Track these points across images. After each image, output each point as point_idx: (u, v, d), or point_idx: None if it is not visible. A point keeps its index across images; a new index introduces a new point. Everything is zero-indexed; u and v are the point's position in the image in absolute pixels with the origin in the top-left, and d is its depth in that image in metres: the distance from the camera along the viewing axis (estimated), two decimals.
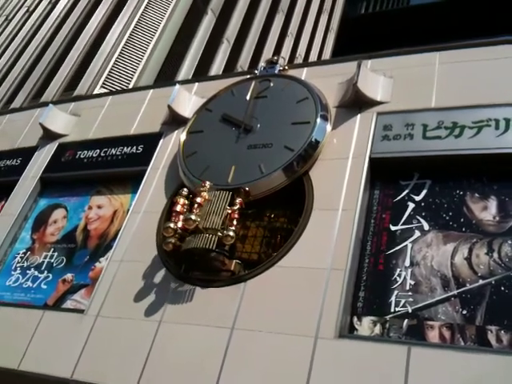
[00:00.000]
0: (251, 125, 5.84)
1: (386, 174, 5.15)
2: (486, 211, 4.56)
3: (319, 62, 16.22)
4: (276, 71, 6.52)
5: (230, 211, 4.98)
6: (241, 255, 5.12)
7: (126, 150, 6.86)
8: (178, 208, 5.12)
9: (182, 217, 5.03)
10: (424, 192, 4.89)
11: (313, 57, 22.53)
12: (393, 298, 4.35)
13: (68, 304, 5.77)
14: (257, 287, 4.73)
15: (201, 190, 5.10)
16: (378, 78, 5.70)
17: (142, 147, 6.75)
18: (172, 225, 4.95)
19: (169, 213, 5.57)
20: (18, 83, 15.34)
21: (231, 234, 4.79)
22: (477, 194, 4.69)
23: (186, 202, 5.21)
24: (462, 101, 5.13)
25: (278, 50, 18.89)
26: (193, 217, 4.84)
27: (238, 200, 5.08)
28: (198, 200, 5.01)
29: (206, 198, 5.06)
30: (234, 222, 4.96)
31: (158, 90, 7.52)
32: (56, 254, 6.39)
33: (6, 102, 14.89)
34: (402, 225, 4.77)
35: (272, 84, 6.26)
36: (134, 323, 4.99)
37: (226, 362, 4.35)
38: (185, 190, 5.35)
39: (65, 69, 14.30)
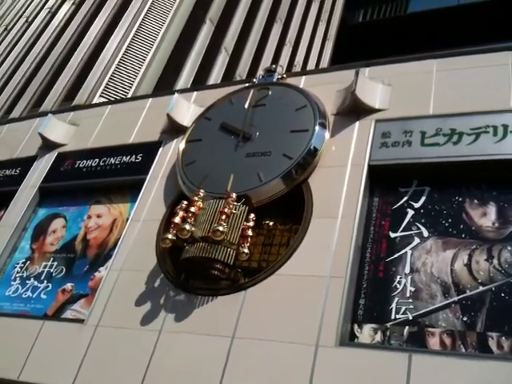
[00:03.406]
0: (250, 133, 5.84)
1: (384, 181, 5.15)
2: (486, 217, 4.56)
3: (317, 70, 16.30)
4: (274, 79, 6.54)
5: (244, 227, 4.96)
6: (241, 263, 5.11)
7: (124, 159, 6.86)
8: (193, 209, 5.04)
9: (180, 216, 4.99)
10: (423, 199, 4.89)
11: (311, 65, 22.66)
12: (393, 305, 4.34)
13: (68, 314, 5.75)
14: (257, 295, 4.72)
15: (229, 202, 4.98)
16: (376, 85, 5.72)
17: (141, 156, 6.75)
18: (188, 226, 4.84)
19: (171, 214, 5.46)
20: (18, 93, 15.43)
21: (246, 251, 4.79)
22: (476, 201, 4.69)
23: (202, 205, 5.17)
24: (460, 108, 5.15)
25: (276, 59, 19.00)
26: (221, 228, 4.72)
27: (252, 216, 5.05)
28: (226, 210, 4.90)
29: (232, 210, 4.96)
30: (249, 239, 4.91)
31: (156, 99, 7.54)
32: (55, 263, 6.37)
33: (5, 111, 14.97)
34: (401, 232, 4.77)
35: (270, 92, 6.28)
36: (134, 333, 4.97)
37: (227, 371, 4.33)
38: (201, 191, 5.30)
39: (64, 78, 14.38)
